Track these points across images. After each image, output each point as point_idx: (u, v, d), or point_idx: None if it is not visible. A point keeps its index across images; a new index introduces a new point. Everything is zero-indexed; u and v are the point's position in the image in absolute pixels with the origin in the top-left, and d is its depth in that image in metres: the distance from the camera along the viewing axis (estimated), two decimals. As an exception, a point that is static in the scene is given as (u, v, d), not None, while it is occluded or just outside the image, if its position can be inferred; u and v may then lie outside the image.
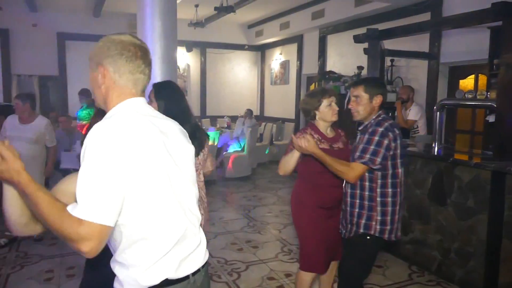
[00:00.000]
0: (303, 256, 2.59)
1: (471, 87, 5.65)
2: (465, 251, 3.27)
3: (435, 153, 3.67)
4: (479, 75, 5.59)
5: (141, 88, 1.28)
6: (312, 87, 9.12)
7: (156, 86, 2.35)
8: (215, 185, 6.90)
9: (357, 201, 2.31)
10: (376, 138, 2.17)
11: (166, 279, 1.17)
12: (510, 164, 2.96)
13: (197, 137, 2.25)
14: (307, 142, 2.20)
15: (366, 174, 2.24)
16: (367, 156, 2.17)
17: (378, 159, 2.17)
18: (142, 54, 1.25)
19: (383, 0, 6.10)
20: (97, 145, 1.07)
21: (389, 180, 2.25)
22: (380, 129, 2.19)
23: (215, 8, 7.18)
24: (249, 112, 8.82)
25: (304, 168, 2.52)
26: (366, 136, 2.21)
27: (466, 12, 3.50)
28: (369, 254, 2.39)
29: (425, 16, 5.76)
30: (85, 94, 6.64)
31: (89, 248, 1.02)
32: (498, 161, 3.07)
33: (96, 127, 1.11)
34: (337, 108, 2.51)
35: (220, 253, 4.00)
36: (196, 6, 7.98)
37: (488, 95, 3.52)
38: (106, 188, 1.04)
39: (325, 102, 2.47)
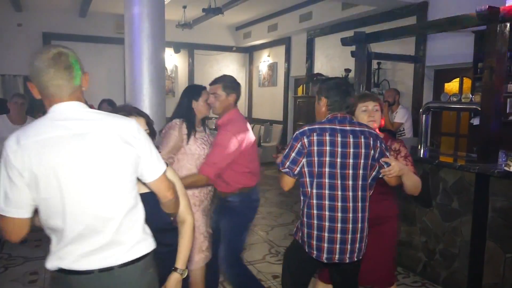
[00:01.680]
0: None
1: (456, 90, 5.74)
2: (450, 252, 3.31)
3: (421, 155, 3.71)
4: (464, 78, 5.69)
5: (67, 93, 1.35)
6: (299, 89, 9.16)
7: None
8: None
9: None
10: (292, 141, 2.08)
11: (61, 268, 1.36)
12: (493, 166, 3.01)
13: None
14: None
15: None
16: (283, 159, 2.10)
17: (287, 163, 2.06)
18: (54, 63, 1.32)
19: (369, 3, 6.17)
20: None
21: (314, 191, 2.03)
22: (295, 133, 2.09)
23: (203, 10, 7.17)
24: (237, 113, 8.81)
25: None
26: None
27: (451, 16, 3.56)
28: (293, 259, 2.27)
29: (411, 20, 5.84)
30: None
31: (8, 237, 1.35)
32: (482, 163, 3.12)
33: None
34: (376, 114, 2.30)
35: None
36: (184, 7, 7.95)
37: (473, 98, 3.58)
38: None
39: (359, 107, 2.32)
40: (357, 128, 2.06)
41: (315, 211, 2.03)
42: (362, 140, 2.04)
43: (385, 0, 5.96)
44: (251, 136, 2.67)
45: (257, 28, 9.58)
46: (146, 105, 3.98)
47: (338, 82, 2.20)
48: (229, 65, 10.82)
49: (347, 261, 2.06)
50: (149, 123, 1.82)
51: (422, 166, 3.55)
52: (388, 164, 2.07)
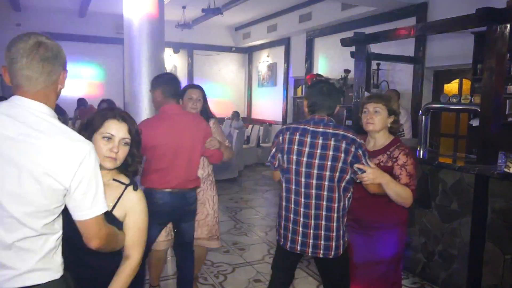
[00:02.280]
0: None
1: (456, 91, 5.74)
2: (449, 253, 3.31)
3: (420, 157, 3.70)
4: (463, 79, 5.69)
5: (36, 88, 1.23)
6: (299, 90, 9.15)
7: None
8: (201, 187, 6.86)
9: None
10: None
11: None
12: (493, 167, 3.01)
13: None
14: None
15: None
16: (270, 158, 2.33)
17: (270, 157, 2.30)
18: (29, 53, 1.22)
19: (369, 4, 6.17)
20: None
21: (284, 184, 2.22)
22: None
23: (203, 10, 7.17)
24: (236, 114, 8.81)
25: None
26: None
27: (451, 17, 3.55)
28: (276, 250, 2.45)
29: (411, 21, 5.84)
30: None
31: None
32: (481, 164, 3.12)
33: None
34: (376, 116, 2.26)
35: (206, 255, 3.97)
36: (184, 7, 7.95)
37: (473, 100, 3.57)
38: None
39: (363, 108, 2.33)
40: (330, 131, 2.11)
41: (284, 203, 2.23)
42: (332, 142, 2.09)
43: (385, 1, 5.96)
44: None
45: (257, 29, 9.57)
46: (145, 106, 3.96)
47: (319, 85, 2.26)
48: (228, 65, 10.82)
49: (310, 254, 2.16)
50: (131, 131, 1.56)
51: (421, 167, 3.54)
52: (363, 171, 2.06)
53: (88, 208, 1.26)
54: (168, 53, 9.46)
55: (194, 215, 2.76)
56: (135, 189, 1.57)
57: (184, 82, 10.79)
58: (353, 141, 2.08)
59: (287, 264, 2.37)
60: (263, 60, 10.19)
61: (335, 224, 2.12)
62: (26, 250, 1.23)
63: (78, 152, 1.22)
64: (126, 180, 1.58)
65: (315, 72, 8.05)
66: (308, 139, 2.12)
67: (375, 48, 5.37)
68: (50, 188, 1.19)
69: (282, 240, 2.24)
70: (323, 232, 2.12)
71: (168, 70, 9.70)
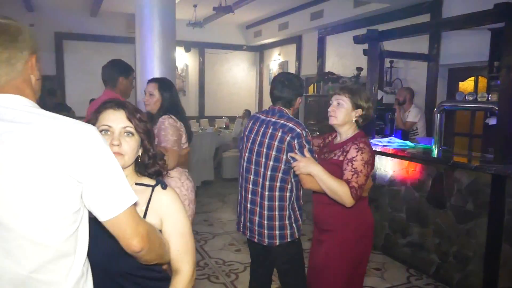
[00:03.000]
0: None
1: (471, 89, 5.63)
2: (464, 254, 3.25)
3: (435, 156, 3.64)
4: (479, 77, 5.57)
5: (5, 80, 1.00)
6: (310, 88, 9.09)
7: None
8: (212, 186, 6.87)
9: None
10: None
11: None
12: (510, 167, 2.94)
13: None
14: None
15: None
16: None
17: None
18: None
19: (382, 1, 6.08)
20: None
21: (239, 170, 2.38)
22: None
23: (214, 8, 7.15)
24: (247, 112, 8.79)
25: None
26: None
27: (467, 13, 3.48)
28: None
29: (425, 17, 5.74)
30: None
31: None
32: (498, 164, 3.05)
33: None
34: (337, 110, 2.14)
35: (218, 254, 3.97)
36: (195, 6, 7.94)
37: (489, 98, 3.49)
38: None
39: (330, 100, 2.24)
40: (280, 121, 2.18)
41: (239, 188, 2.35)
42: (270, 130, 2.17)
43: (398, -2, 5.87)
44: None
45: (268, 27, 9.53)
46: (156, 104, 3.97)
47: (279, 76, 2.35)
48: (239, 64, 10.80)
49: (256, 240, 2.25)
50: (132, 119, 1.29)
51: (436, 166, 3.48)
52: (294, 160, 2.07)
53: (115, 201, 1.01)
54: (179, 52, 9.48)
55: None
56: (164, 187, 1.33)
57: (195, 81, 10.73)
58: (292, 130, 2.12)
59: (253, 254, 2.45)
60: (274, 59, 10.15)
61: (274, 213, 2.17)
62: (47, 283, 0.97)
63: (81, 134, 0.98)
64: (151, 181, 1.35)
65: (326, 70, 7.98)
66: (256, 127, 2.25)
67: (388, 45, 5.29)
68: (59, 185, 0.95)
69: (238, 224, 2.37)
70: (264, 221, 2.19)
71: (179, 69, 9.75)
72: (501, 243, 2.96)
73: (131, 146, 1.28)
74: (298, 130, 2.13)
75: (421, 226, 3.62)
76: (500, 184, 2.94)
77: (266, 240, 2.21)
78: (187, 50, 9.68)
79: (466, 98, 3.54)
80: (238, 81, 10.84)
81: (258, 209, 2.20)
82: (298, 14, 8.37)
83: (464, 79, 5.82)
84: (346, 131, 2.16)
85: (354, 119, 2.12)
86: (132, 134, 1.29)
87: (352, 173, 2.00)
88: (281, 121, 2.18)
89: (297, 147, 2.10)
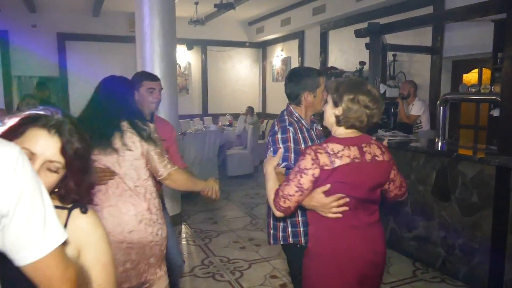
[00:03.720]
0: None
1: (475, 81, 5.58)
2: (470, 247, 3.23)
3: (439, 149, 3.62)
4: (483, 69, 5.53)
5: None
6: (314, 83, 9.05)
7: None
8: (217, 184, 6.87)
9: None
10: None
11: None
12: (515, 159, 2.91)
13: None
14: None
15: None
16: None
17: None
18: None
19: (384, -6, 6.04)
20: None
21: None
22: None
23: (215, 5, 7.14)
24: (250, 109, 8.79)
25: None
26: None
27: (470, 4, 3.44)
28: None
29: (428, 10, 5.69)
30: None
31: None
32: (503, 156, 3.02)
33: None
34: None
35: (222, 251, 3.98)
36: (196, 3, 7.93)
37: (493, 89, 3.46)
38: None
39: None
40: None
41: None
42: None
43: (400, -10, 5.82)
44: None
45: (270, 23, 9.50)
46: (160, 103, 3.98)
47: (289, 71, 2.21)
48: (242, 61, 10.78)
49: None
50: (67, 151, 1.02)
51: (440, 159, 3.46)
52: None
53: (40, 240, 0.80)
54: (181, 50, 9.49)
55: None
56: (84, 211, 1.09)
57: (198, 79, 10.74)
58: (271, 128, 2.07)
59: None
60: (277, 55, 10.12)
61: (268, 214, 2.13)
62: None
63: (4, 158, 0.79)
64: (68, 203, 1.11)
65: (329, 65, 7.95)
66: None
67: (391, 39, 5.25)
68: None
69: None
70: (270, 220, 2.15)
71: (182, 67, 9.75)
72: (506, 235, 2.94)
73: (49, 184, 1.01)
74: (276, 128, 2.02)
75: (427, 220, 3.60)
76: (505, 176, 2.92)
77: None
78: (190, 48, 9.67)
79: (469, 90, 3.51)
80: (241, 78, 10.83)
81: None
82: (300, 9, 8.33)
83: (468, 71, 5.78)
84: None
85: (333, 120, 1.75)
86: (56, 172, 1.02)
87: (284, 181, 1.74)
88: (275, 120, 2.12)
89: (270, 145, 2.01)
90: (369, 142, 1.74)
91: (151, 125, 2.03)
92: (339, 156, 1.64)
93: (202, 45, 10.09)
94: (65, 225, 1.06)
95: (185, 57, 9.89)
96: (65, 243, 0.87)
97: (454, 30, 5.47)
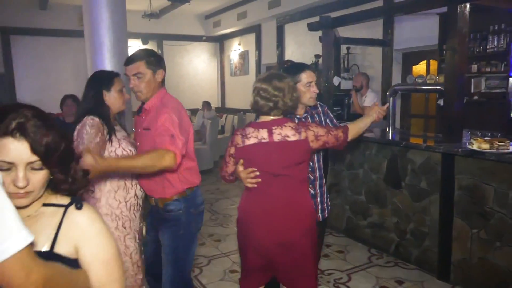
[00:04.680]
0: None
1: (424, 72, 5.82)
2: (420, 231, 3.38)
3: (390, 138, 3.75)
4: (431, 60, 5.77)
5: None
6: (272, 77, 9.10)
7: None
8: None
9: (322, 181, 2.44)
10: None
11: None
12: (458, 145, 3.07)
13: None
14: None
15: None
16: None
17: None
18: None
19: (337, -12, 6.15)
20: None
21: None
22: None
23: (169, -1, 7.01)
24: (206, 104, 8.70)
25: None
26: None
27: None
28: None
29: (378, 3, 5.85)
30: None
31: None
32: (447, 143, 3.17)
33: None
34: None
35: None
36: (150, -4, 7.75)
37: (437, 80, 3.62)
38: None
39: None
40: None
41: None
42: None
43: (352, -16, 5.94)
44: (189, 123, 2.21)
45: (227, 17, 9.44)
46: (110, 99, 3.85)
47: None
48: (199, 55, 10.67)
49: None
50: (37, 148, 0.98)
51: (391, 148, 3.58)
52: None
53: None
54: (136, 44, 9.24)
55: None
56: (79, 207, 1.08)
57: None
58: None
59: None
60: (235, 49, 10.09)
61: None
62: None
63: None
64: (63, 200, 1.09)
65: (286, 58, 8.01)
66: None
67: (345, 32, 5.37)
68: None
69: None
70: None
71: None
72: (453, 218, 3.10)
73: (40, 180, 1.01)
74: None
75: (380, 207, 3.73)
76: (449, 161, 3.07)
77: None
78: (145, 42, 9.45)
79: (416, 81, 3.65)
80: (199, 73, 10.72)
81: None
82: (256, 3, 8.33)
83: (417, 63, 6.02)
84: None
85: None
86: (40, 168, 1.00)
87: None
88: None
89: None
90: (283, 124, 1.95)
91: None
92: (248, 137, 1.96)
93: (158, 39, 9.88)
94: (60, 223, 1.05)
95: (140, 52, 9.65)
96: (32, 245, 0.83)
97: (403, 23, 5.68)
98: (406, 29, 5.69)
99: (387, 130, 3.93)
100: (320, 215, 2.39)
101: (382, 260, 3.61)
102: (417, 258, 3.43)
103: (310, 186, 2.31)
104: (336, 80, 4.76)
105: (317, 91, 2.31)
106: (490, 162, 2.80)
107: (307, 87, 2.27)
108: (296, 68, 2.33)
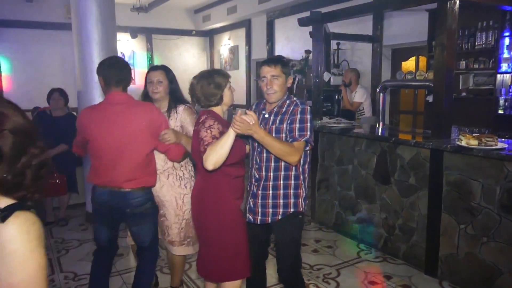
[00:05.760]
0: (240, 261, 2.22)
1: (413, 68, 5.86)
2: (408, 226, 3.41)
3: (379, 134, 3.76)
4: (420, 56, 5.81)
5: None
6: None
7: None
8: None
9: (281, 182, 2.23)
10: (308, 116, 2.18)
11: None
12: (447, 141, 3.09)
13: None
14: (252, 119, 1.95)
15: None
16: (308, 133, 2.15)
17: (312, 136, 2.23)
18: None
19: (327, -17, 6.13)
20: None
21: (308, 158, 2.33)
22: (308, 107, 2.21)
23: (158, -8, 6.92)
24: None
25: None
26: (298, 116, 2.17)
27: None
28: (301, 230, 2.39)
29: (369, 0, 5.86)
30: None
31: None
32: (436, 139, 3.20)
33: None
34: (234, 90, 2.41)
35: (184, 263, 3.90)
36: (138, -11, 7.65)
37: (426, 76, 3.64)
38: None
39: (229, 84, 2.33)
40: None
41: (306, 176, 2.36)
42: None
43: (342, -20, 5.93)
44: None
45: (217, 11, 9.37)
46: (98, 93, 3.81)
47: None
48: (189, 50, 10.57)
49: None
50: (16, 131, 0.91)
51: (380, 144, 3.60)
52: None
53: None
54: (125, 38, 9.14)
55: (148, 218, 2.45)
56: (3, 220, 0.89)
57: (144, 68, 10.35)
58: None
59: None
60: (225, 43, 10.02)
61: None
62: None
63: None
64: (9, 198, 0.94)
65: (276, 53, 7.99)
66: None
67: (335, 27, 5.36)
68: None
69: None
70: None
71: (126, 56, 9.39)
72: (440, 213, 3.13)
73: None
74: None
75: (369, 203, 3.75)
76: (438, 157, 3.09)
77: None
78: (134, 36, 9.34)
79: (405, 77, 3.66)
80: (189, 68, 10.62)
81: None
82: (246, -2, 8.28)
83: (406, 59, 6.05)
84: None
85: None
86: None
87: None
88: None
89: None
90: (203, 114, 2.20)
91: None
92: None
93: (146, 33, 9.76)
94: None
95: (129, 45, 9.54)
96: None
97: (393, 19, 5.69)
98: (396, 25, 5.71)
99: (377, 126, 3.94)
100: (259, 217, 2.26)
101: (370, 255, 3.63)
102: (405, 253, 3.46)
103: (255, 184, 2.28)
104: (326, 76, 4.76)
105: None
106: (478, 158, 2.83)
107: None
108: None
